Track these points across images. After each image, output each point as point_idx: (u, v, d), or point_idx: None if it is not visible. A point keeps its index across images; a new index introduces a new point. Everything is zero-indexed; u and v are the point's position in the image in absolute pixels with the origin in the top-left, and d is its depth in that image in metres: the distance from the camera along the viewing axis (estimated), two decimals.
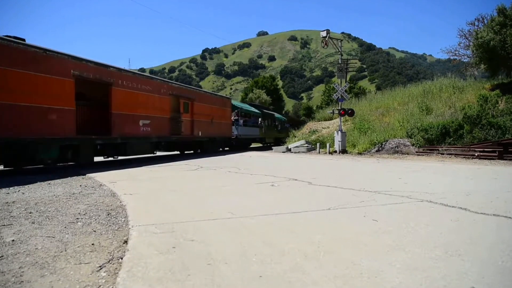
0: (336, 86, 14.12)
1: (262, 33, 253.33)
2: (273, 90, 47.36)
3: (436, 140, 11.20)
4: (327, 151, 13.26)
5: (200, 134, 12.99)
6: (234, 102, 18.75)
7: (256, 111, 21.86)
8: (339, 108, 13.80)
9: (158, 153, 14.59)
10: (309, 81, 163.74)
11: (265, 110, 24.44)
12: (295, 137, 19.60)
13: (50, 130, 6.70)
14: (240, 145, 17.94)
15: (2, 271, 1.73)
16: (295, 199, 3.69)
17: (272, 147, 18.54)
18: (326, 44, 14.09)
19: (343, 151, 12.94)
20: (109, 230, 2.51)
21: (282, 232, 2.33)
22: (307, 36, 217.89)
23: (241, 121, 17.69)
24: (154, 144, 10.75)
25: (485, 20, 15.97)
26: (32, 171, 7.07)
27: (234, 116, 16.91)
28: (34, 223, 2.72)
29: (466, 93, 14.69)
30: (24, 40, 6.64)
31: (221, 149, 16.53)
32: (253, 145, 26.88)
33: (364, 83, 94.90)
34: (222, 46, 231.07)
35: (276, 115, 27.84)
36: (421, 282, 1.50)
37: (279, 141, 26.71)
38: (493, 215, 2.71)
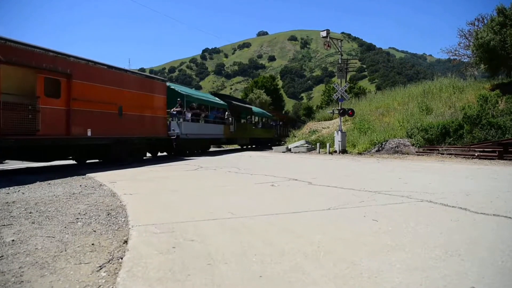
0: (336, 86, 14.12)
1: (262, 33, 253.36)
2: (273, 90, 47.35)
3: (436, 140, 11.20)
4: (327, 151, 13.26)
5: (90, 134, 7.98)
6: (177, 86, 13.42)
7: (219, 102, 16.40)
8: (339, 108, 13.80)
9: (158, 153, 14.53)
10: (309, 81, 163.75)
11: (235, 102, 19.22)
12: (295, 137, 19.60)
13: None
14: (185, 149, 12.66)
15: (2, 271, 1.73)
16: (295, 199, 3.69)
17: (272, 147, 18.44)
18: (328, 46, 14.08)
19: (343, 151, 12.94)
20: (109, 230, 2.51)
21: (282, 232, 2.33)
22: (307, 36, 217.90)
23: (188, 115, 12.55)
24: None
25: (485, 20, 15.99)
26: (32, 171, 7.07)
27: (177, 107, 12.08)
28: (34, 223, 2.72)
29: (466, 93, 14.69)
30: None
31: (149, 155, 12.03)
32: (229, 147, 22.72)
33: (364, 83, 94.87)
34: (222, 46, 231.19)
35: (256, 109, 23.15)
36: (421, 282, 1.50)
37: (261, 143, 22.72)
38: (493, 215, 2.71)
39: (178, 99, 12.23)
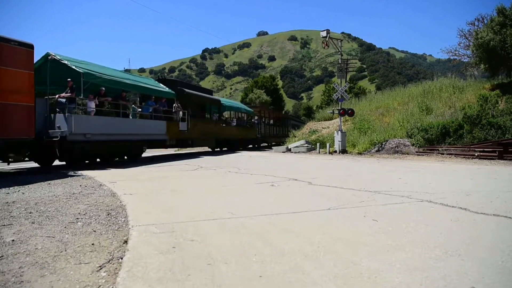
0: (336, 86, 14.12)
1: (262, 33, 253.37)
2: (273, 90, 47.34)
3: (436, 140, 11.20)
4: (327, 151, 13.26)
5: None
6: (68, 59, 8.36)
7: (160, 89, 11.60)
8: (339, 108, 13.80)
9: (159, 153, 14.51)
10: (309, 81, 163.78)
11: (193, 92, 13.73)
12: (295, 137, 19.59)
13: None
14: (86, 157, 8.58)
15: (2, 271, 1.73)
16: (295, 199, 3.69)
17: (272, 147, 18.43)
18: (327, 45, 14.10)
19: (343, 151, 12.94)
20: (109, 230, 2.51)
21: (282, 232, 2.33)
22: (307, 36, 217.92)
23: (91, 105, 8.53)
24: None
25: (485, 20, 15.96)
26: (32, 171, 7.07)
27: (67, 92, 7.97)
28: (34, 223, 2.72)
29: (466, 93, 14.69)
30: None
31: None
32: (199, 150, 18.20)
33: (364, 83, 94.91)
34: (222, 46, 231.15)
35: (227, 102, 18.47)
36: (421, 282, 1.50)
37: (237, 144, 17.99)
38: (493, 215, 2.70)
39: (69, 79, 7.92)
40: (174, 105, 12.01)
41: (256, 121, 21.54)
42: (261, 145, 23.30)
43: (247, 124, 19.98)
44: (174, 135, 11.72)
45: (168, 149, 15.25)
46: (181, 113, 12.38)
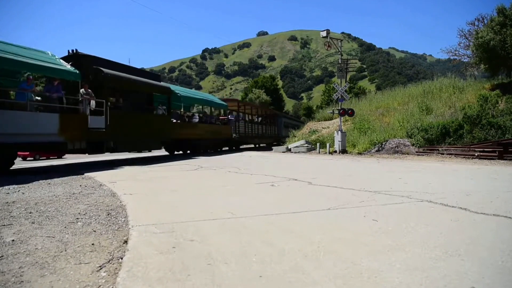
0: (336, 86, 14.12)
1: (262, 33, 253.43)
2: (273, 90, 47.41)
3: (436, 140, 11.20)
4: (327, 151, 13.26)
5: None
6: None
7: (49, 65, 7.59)
8: (339, 108, 13.80)
9: (158, 153, 14.58)
10: (309, 81, 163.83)
11: (110, 71, 9.30)
12: (295, 137, 19.59)
13: None
14: None
15: (2, 271, 1.73)
16: (295, 199, 3.68)
17: (272, 147, 18.41)
18: (329, 46, 14.09)
19: (343, 151, 12.94)
20: (109, 230, 2.51)
21: (282, 232, 2.33)
22: (307, 36, 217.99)
23: None
24: None
25: (485, 20, 15.97)
26: (32, 171, 7.07)
27: None
28: (34, 223, 2.72)
29: (466, 93, 14.69)
30: None
31: None
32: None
33: (364, 83, 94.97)
34: (222, 46, 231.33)
35: (184, 91, 14.11)
36: (421, 282, 1.50)
37: (204, 146, 14.56)
38: (493, 215, 2.70)
39: None
40: (81, 90, 8.37)
41: (231, 118, 17.25)
42: (241, 147, 19.70)
43: (216, 121, 15.88)
44: (79, 135, 8.08)
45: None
46: (93, 103, 8.62)
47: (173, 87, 13.03)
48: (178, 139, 12.57)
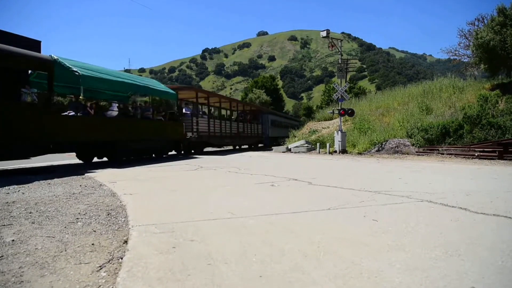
0: (336, 86, 14.12)
1: (262, 33, 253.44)
2: (273, 90, 47.41)
3: (436, 140, 11.20)
4: (327, 151, 13.26)
5: None
6: None
7: None
8: (339, 108, 13.80)
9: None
10: (309, 81, 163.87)
11: None
12: (295, 137, 19.59)
13: None
14: None
15: (2, 271, 1.73)
16: (295, 199, 3.68)
17: (272, 147, 18.36)
18: (332, 45, 14.09)
19: (343, 151, 12.94)
20: (109, 230, 2.51)
21: (282, 232, 2.33)
22: (307, 36, 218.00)
23: None
24: None
25: (485, 20, 15.97)
26: (32, 171, 7.07)
27: None
28: (34, 223, 2.72)
29: (466, 93, 14.69)
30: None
31: None
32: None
33: (364, 83, 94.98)
34: (222, 46, 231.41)
35: (81, 66, 7.99)
36: (421, 282, 1.50)
37: (118, 152, 9.43)
38: (493, 215, 2.70)
39: None
40: None
41: (186, 112, 13.42)
42: (205, 149, 15.70)
43: (158, 115, 11.38)
44: None
45: None
46: None
47: (64, 59, 7.78)
48: (66, 141, 7.97)
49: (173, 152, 13.24)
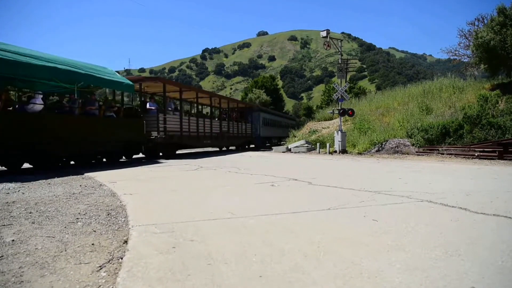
0: (336, 86, 14.12)
1: (262, 33, 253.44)
2: (273, 90, 47.38)
3: (436, 140, 11.20)
4: (327, 151, 13.26)
5: None
6: None
7: None
8: (339, 108, 13.80)
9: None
10: (309, 81, 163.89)
11: None
12: (295, 137, 19.59)
13: None
14: None
15: (2, 271, 1.73)
16: (295, 199, 3.68)
17: (272, 147, 18.30)
18: (328, 46, 14.09)
19: (343, 151, 12.94)
20: (109, 230, 2.51)
21: (282, 232, 2.33)
22: (307, 36, 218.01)
23: None
24: None
25: (485, 20, 15.94)
26: (32, 171, 7.07)
27: None
28: (34, 223, 2.72)
29: (466, 93, 14.69)
30: None
31: None
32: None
33: (364, 83, 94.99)
34: (222, 46, 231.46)
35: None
36: (421, 282, 1.50)
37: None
38: (493, 215, 2.70)
39: None
40: None
41: (151, 107, 11.48)
42: (178, 152, 13.68)
43: (93, 109, 8.86)
44: None
45: None
46: None
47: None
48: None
49: (142, 155, 11.84)
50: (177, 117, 12.54)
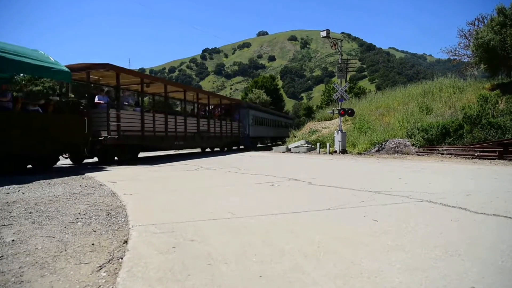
0: (336, 86, 14.12)
1: (262, 33, 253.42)
2: (273, 90, 47.33)
3: (436, 140, 11.20)
4: (327, 151, 13.26)
5: None
6: None
7: None
8: (339, 108, 13.80)
9: (158, 153, 14.33)
10: (309, 81, 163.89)
11: None
12: (295, 137, 19.59)
13: None
14: None
15: (2, 271, 1.73)
16: (295, 199, 3.69)
17: (272, 147, 18.27)
18: (335, 45, 14.06)
19: (343, 151, 12.94)
20: (109, 230, 2.51)
21: (282, 232, 2.33)
22: (307, 36, 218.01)
23: None
24: None
25: (485, 20, 15.94)
26: (32, 171, 7.06)
27: None
28: (34, 223, 2.72)
29: (466, 93, 14.69)
30: None
31: None
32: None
33: (364, 83, 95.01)
34: (222, 46, 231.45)
35: None
36: (421, 282, 1.50)
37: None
38: (493, 215, 2.70)
39: None
40: None
41: (101, 101, 9.33)
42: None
43: (4, 101, 6.75)
44: None
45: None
46: None
47: None
48: None
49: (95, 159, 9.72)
50: (138, 113, 10.33)
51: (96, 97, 9.53)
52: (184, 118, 13.01)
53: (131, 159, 10.01)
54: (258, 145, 22.81)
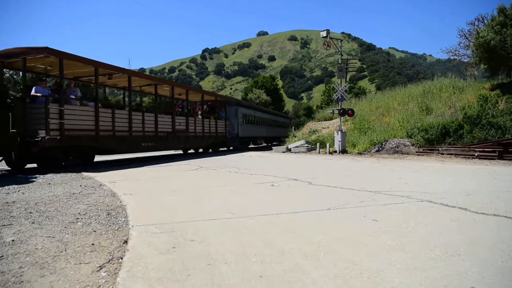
0: (336, 86, 14.12)
1: (262, 33, 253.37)
2: (273, 90, 47.33)
3: (436, 140, 11.19)
4: (327, 151, 13.26)
5: None
6: None
7: None
8: (339, 108, 13.80)
9: (158, 153, 14.30)
10: (309, 81, 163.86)
11: None
12: (295, 137, 19.58)
13: None
14: None
15: (2, 271, 1.73)
16: (295, 199, 3.69)
17: (272, 147, 18.25)
18: (328, 45, 14.07)
19: (343, 151, 12.94)
20: (109, 230, 2.51)
21: (282, 232, 2.33)
22: (307, 36, 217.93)
23: None
24: None
25: (485, 20, 15.92)
26: (32, 171, 7.07)
27: None
28: (34, 223, 2.72)
29: (466, 93, 14.69)
30: None
31: None
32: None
33: (364, 83, 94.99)
34: (222, 46, 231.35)
35: None
36: (421, 282, 1.50)
37: None
38: (493, 215, 2.70)
39: None
40: None
41: (38, 94, 7.41)
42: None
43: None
44: None
45: None
46: None
47: None
48: None
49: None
50: (91, 109, 8.55)
51: (34, 88, 7.56)
52: (154, 115, 11.05)
53: (80, 165, 8.17)
54: (250, 146, 21.19)
